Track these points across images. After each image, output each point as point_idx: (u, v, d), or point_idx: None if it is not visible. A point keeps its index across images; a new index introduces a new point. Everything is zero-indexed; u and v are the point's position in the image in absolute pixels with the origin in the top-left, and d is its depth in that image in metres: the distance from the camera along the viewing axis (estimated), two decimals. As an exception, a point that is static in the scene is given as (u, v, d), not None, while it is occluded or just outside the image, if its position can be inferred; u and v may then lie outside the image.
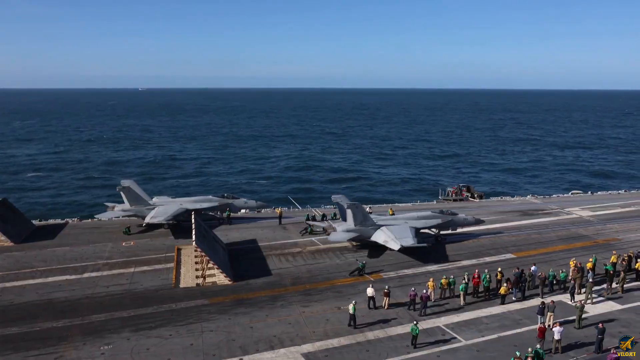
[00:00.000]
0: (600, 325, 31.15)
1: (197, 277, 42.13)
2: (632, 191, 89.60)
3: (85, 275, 43.57)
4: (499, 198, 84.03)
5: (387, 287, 37.96)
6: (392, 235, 49.59)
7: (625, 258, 45.41)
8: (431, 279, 39.53)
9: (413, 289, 37.52)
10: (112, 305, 37.02)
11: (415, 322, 31.64)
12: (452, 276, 40.50)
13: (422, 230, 53.15)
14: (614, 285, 40.97)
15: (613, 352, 27.78)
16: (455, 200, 79.86)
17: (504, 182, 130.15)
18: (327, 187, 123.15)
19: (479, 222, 57.96)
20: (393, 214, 63.98)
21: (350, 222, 51.91)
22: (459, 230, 56.76)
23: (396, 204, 74.74)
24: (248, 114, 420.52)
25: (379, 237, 50.55)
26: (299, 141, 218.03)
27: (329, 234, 52.72)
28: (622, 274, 41.45)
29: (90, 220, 64.17)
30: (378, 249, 51.01)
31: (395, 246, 48.13)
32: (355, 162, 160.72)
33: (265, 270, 45.38)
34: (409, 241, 48.31)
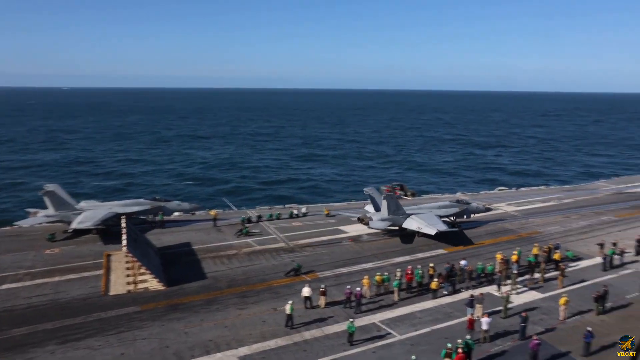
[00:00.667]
0: (523, 314, 33.02)
1: (128, 283, 40.62)
2: (552, 187, 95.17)
3: (4, 286, 40.79)
4: (430, 196, 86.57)
5: (323, 286, 38.26)
6: (424, 222, 54.43)
7: (546, 250, 48.23)
8: (366, 277, 40.20)
9: (348, 287, 38.02)
10: (35, 318, 34.87)
11: (351, 320, 32.10)
12: (386, 273, 41.39)
13: (442, 219, 57.08)
14: (536, 275, 43.41)
15: (535, 339, 29.50)
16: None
17: (430, 180, 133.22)
18: (256, 188, 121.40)
19: (487, 209, 64.94)
20: (328, 214, 65.05)
21: (384, 212, 55.98)
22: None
23: (330, 204, 75.41)
24: (178, 114, 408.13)
25: (411, 224, 55.19)
26: (230, 141, 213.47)
27: (366, 223, 56.82)
28: (542, 265, 44.01)
29: (9, 227, 60.19)
30: (408, 237, 55.57)
31: (432, 231, 52.53)
32: (286, 163, 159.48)
33: (200, 273, 44.46)
34: (443, 227, 53.63)
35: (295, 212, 65.42)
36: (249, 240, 54.94)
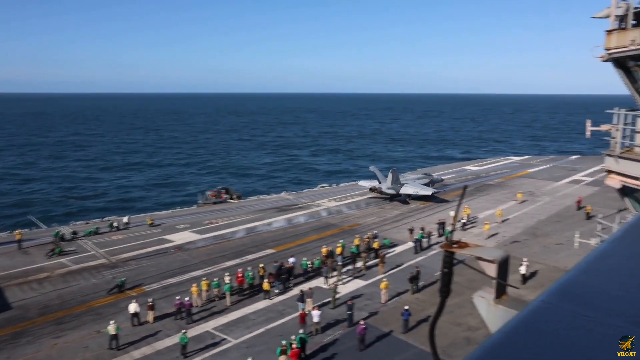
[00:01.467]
0: (349, 302, 35.13)
1: None
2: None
3: None
4: (257, 197, 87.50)
5: (150, 299, 36.23)
6: (418, 188, 73.46)
7: (366, 240, 51.94)
8: (194, 285, 39.07)
9: (178, 297, 36.61)
10: None
11: (183, 331, 30.91)
12: (215, 279, 40.69)
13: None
14: (358, 265, 46.46)
15: (362, 324, 31.57)
16: (215, 203, 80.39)
17: (251, 183, 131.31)
18: (65, 201, 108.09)
19: (442, 179, 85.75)
20: (151, 223, 62.00)
21: (389, 182, 73.39)
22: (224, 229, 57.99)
23: (155, 213, 71.82)
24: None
25: (408, 189, 73.44)
26: (25, 152, 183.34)
27: (379, 191, 74.38)
28: (363, 254, 47.33)
29: None
30: (405, 202, 73.55)
31: (428, 192, 72.35)
32: (99, 172, 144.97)
33: (3, 304, 38.86)
34: (433, 190, 73.66)
35: (115, 224, 60.92)
36: (63, 260, 49.64)
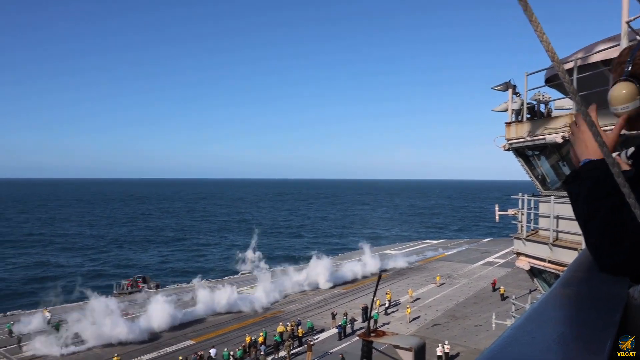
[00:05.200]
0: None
1: None
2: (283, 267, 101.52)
3: None
4: (176, 285, 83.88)
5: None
6: None
7: (289, 328, 50.98)
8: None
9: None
10: None
11: None
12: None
13: None
14: (282, 353, 45.20)
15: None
16: (131, 292, 76.22)
17: (167, 271, 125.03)
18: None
19: None
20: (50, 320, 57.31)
21: None
22: None
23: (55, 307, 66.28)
24: None
25: None
26: None
27: None
28: (287, 342, 46.29)
29: None
30: None
31: None
32: None
33: None
34: None
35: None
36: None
